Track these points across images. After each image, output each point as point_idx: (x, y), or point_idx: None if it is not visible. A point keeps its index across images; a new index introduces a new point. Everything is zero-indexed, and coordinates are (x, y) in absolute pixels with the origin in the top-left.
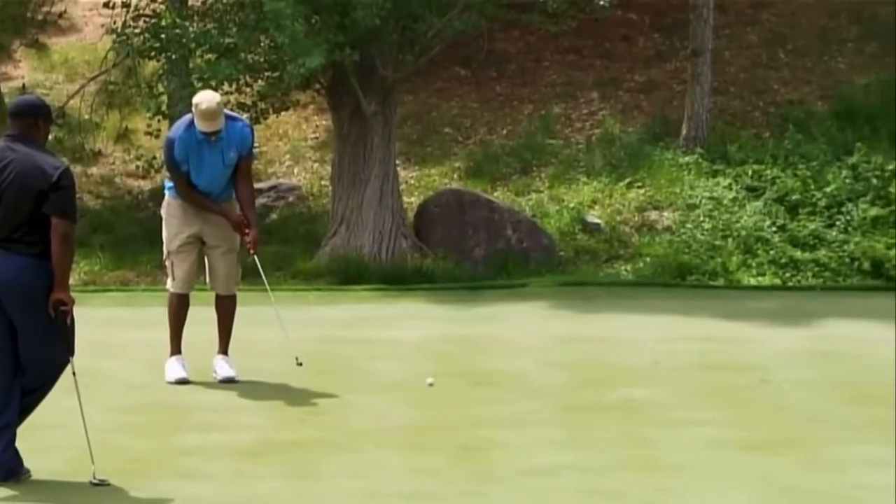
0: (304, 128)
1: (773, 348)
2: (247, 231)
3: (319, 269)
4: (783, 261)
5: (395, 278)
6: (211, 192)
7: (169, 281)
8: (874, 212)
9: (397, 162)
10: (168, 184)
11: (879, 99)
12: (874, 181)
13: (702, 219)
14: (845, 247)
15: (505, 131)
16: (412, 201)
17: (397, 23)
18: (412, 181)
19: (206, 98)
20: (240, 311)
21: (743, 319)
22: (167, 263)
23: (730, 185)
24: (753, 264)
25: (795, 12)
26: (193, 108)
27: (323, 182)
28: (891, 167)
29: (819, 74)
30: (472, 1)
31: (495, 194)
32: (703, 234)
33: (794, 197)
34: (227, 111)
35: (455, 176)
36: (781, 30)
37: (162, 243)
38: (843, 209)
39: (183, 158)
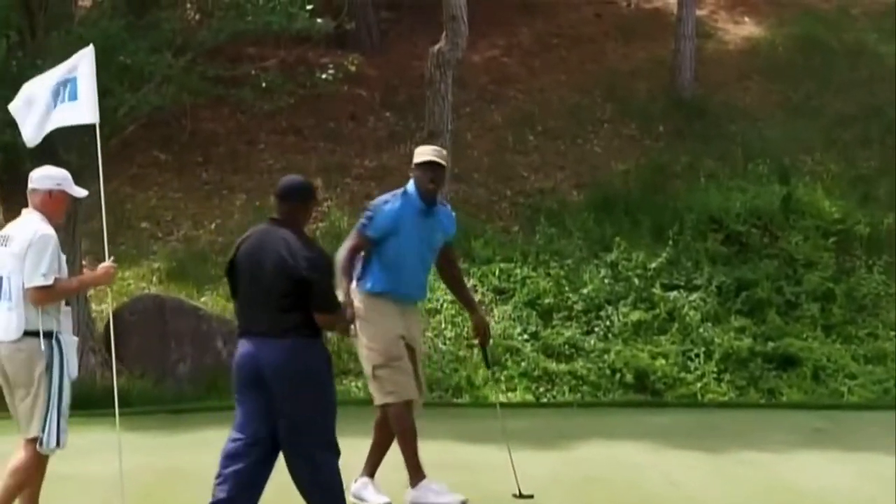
0: None
1: (528, 475)
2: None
3: None
4: (536, 373)
5: (82, 402)
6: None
7: (381, 394)
8: (636, 316)
9: (84, 263)
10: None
11: (640, 187)
12: (636, 281)
13: (443, 326)
14: (605, 356)
15: (213, 225)
16: (102, 309)
17: None
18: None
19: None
20: None
21: (491, 442)
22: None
23: (474, 286)
24: (503, 378)
25: (544, 89)
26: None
27: None
28: (653, 265)
29: (573, 159)
30: (171, 73)
31: (202, 300)
32: (444, 344)
33: (547, 300)
34: None
35: (154, 278)
36: (529, 108)
37: None
38: (602, 313)
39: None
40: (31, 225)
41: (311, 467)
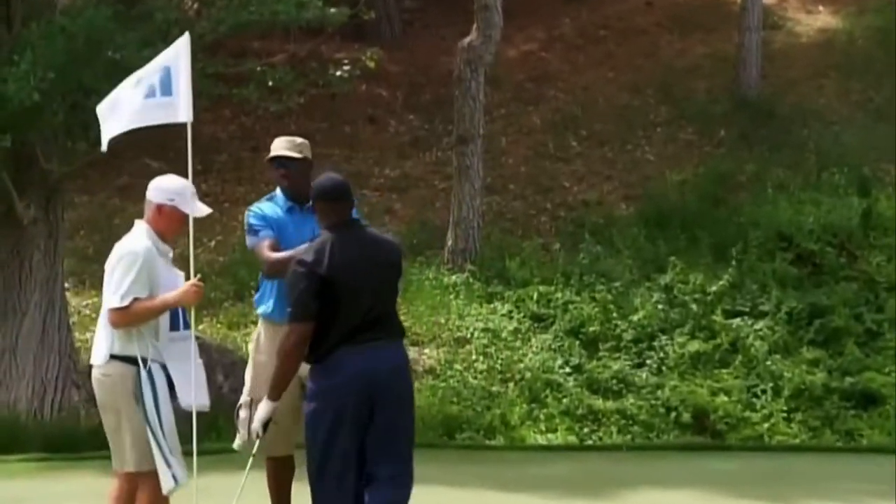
0: None
1: None
2: None
3: None
4: (580, 412)
5: (65, 444)
6: None
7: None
8: (694, 347)
9: (66, 285)
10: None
11: (698, 199)
12: (693, 307)
13: (474, 357)
14: (658, 393)
15: (213, 243)
16: (87, 338)
17: (64, 99)
18: (87, 311)
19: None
20: None
21: (529, 490)
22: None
23: (510, 312)
24: (541, 417)
25: (589, 87)
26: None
27: None
28: (714, 289)
29: (621, 168)
30: None
31: (200, 327)
32: (476, 378)
33: (592, 328)
34: None
35: None
36: (572, 110)
37: None
38: (655, 344)
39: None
40: (128, 239)
41: (402, 479)
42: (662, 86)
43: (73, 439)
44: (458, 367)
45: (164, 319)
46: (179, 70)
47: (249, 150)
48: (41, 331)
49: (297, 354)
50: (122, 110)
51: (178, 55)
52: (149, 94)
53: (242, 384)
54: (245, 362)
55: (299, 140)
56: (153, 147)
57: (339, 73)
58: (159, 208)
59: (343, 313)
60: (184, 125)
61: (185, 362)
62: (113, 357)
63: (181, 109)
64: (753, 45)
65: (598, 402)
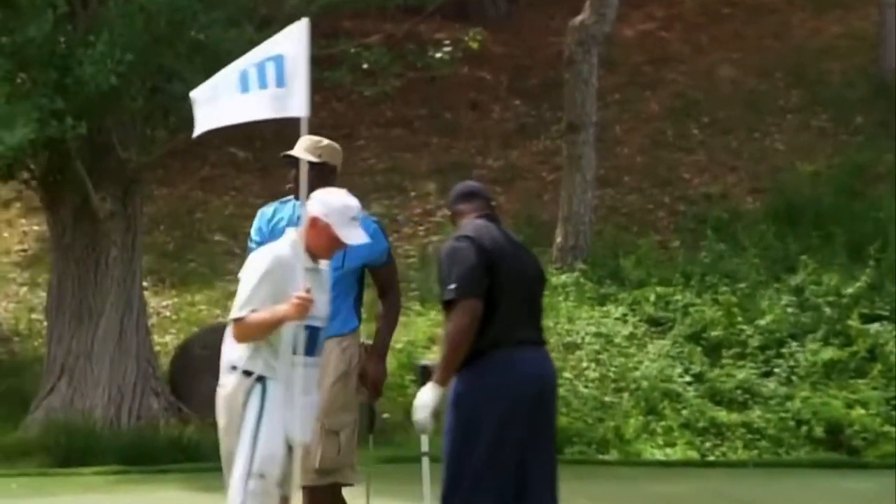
0: (6, 236)
1: None
2: None
3: (28, 444)
4: (701, 424)
5: (142, 455)
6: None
7: None
8: (828, 354)
9: (144, 284)
10: None
11: (832, 193)
12: (827, 310)
13: (585, 365)
14: (788, 405)
15: None
16: (167, 341)
17: (143, 83)
18: (167, 312)
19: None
20: None
21: None
22: None
23: (624, 316)
24: (659, 430)
25: (712, 70)
26: None
27: (34, 315)
28: (849, 291)
29: (748, 158)
30: None
31: None
32: (587, 387)
33: (714, 333)
34: None
35: (230, 304)
36: (693, 95)
37: None
38: (785, 351)
39: None
40: (265, 247)
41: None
42: (794, 68)
43: (152, 450)
44: (567, 374)
45: (286, 340)
46: (295, 58)
47: (342, 138)
48: (118, 333)
49: (471, 335)
50: (224, 100)
51: (293, 42)
52: (259, 85)
53: None
54: None
55: (325, 142)
56: (239, 136)
57: (439, 54)
58: (314, 221)
59: (505, 304)
60: (296, 120)
61: (303, 391)
62: (233, 368)
63: (296, 103)
64: (894, 24)
65: (722, 415)
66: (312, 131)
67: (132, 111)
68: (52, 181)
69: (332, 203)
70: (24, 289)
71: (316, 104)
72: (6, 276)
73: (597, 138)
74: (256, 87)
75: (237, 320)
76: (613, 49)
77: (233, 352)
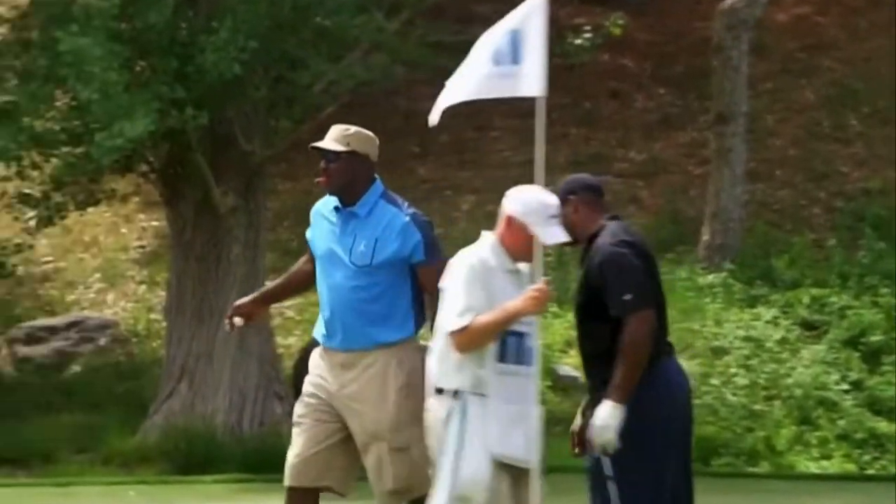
0: (124, 232)
1: None
2: None
3: (146, 450)
4: (859, 435)
5: (265, 462)
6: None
7: None
8: None
9: (267, 283)
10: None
11: None
12: None
13: (734, 370)
14: None
15: None
16: (291, 343)
17: (267, 71)
18: (291, 313)
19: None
20: None
21: None
22: None
23: (775, 319)
24: (813, 441)
25: (872, 57)
26: None
27: (153, 316)
28: None
29: None
30: (382, 38)
31: (422, 330)
32: (735, 395)
33: (874, 338)
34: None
35: None
36: (851, 84)
37: None
38: None
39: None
40: (464, 252)
41: None
42: None
43: (275, 458)
44: (714, 381)
45: (491, 346)
46: (530, 34)
47: (474, 129)
48: (240, 335)
49: (649, 347)
50: (457, 78)
51: (529, 17)
52: (495, 61)
53: None
54: None
55: (353, 129)
56: (365, 125)
57: (578, 41)
58: (509, 221)
59: (660, 311)
60: (528, 100)
61: (513, 403)
62: (438, 391)
63: (530, 81)
64: None
65: (882, 425)
66: (443, 121)
67: (255, 101)
68: (172, 174)
69: (529, 201)
70: (143, 287)
71: None
72: (124, 274)
73: (747, 129)
74: (490, 64)
75: (460, 330)
76: (765, 34)
77: (435, 371)
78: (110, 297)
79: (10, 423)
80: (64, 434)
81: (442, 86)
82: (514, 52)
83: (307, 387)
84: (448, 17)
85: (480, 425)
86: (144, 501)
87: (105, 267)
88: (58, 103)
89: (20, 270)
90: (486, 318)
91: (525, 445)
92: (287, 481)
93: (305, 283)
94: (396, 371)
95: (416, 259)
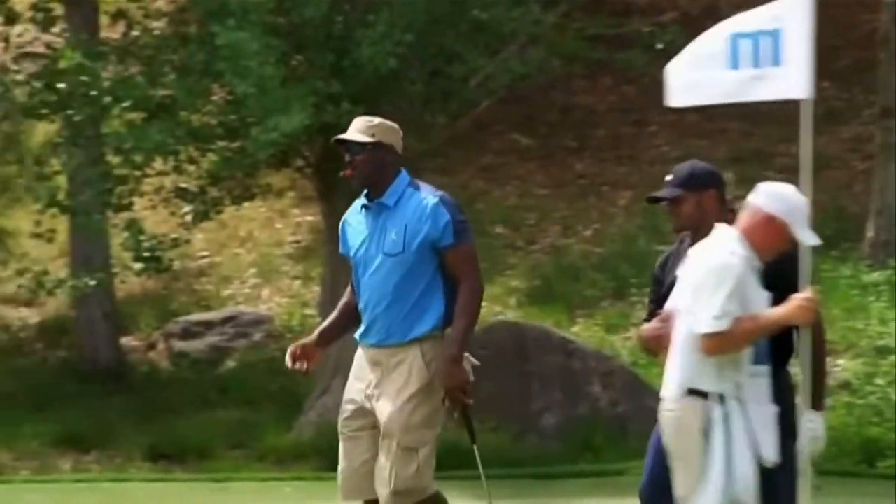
0: (279, 227)
1: None
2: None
3: (301, 447)
4: None
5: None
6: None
7: None
8: None
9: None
10: None
11: None
12: None
13: None
14: None
15: (589, 232)
16: None
17: (423, 65)
18: None
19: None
20: None
21: None
22: None
23: None
24: None
25: None
26: None
27: (307, 311)
28: None
29: None
30: (538, 31)
31: (574, 330)
32: None
33: None
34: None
35: (512, 301)
36: None
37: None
38: None
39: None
40: (715, 248)
41: None
42: None
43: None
44: (879, 381)
45: (748, 349)
46: (793, 35)
47: (631, 124)
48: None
49: None
50: (710, 75)
51: (794, 15)
52: (752, 63)
53: (622, 396)
54: (627, 373)
55: (377, 121)
56: (521, 120)
57: None
58: (770, 220)
59: None
60: (793, 103)
61: (762, 404)
62: (688, 392)
63: (798, 83)
64: None
65: None
66: (600, 116)
67: (411, 95)
68: (327, 169)
69: (794, 201)
70: (297, 283)
71: (604, 87)
72: (279, 269)
73: None
74: (749, 65)
75: (717, 334)
76: None
77: (684, 371)
78: (265, 292)
79: (167, 418)
80: (219, 430)
81: (600, 79)
82: (775, 53)
83: (346, 393)
84: (607, 9)
85: (743, 430)
86: (300, 498)
87: (260, 262)
88: (214, 98)
89: (176, 265)
90: (750, 325)
91: (775, 445)
92: (341, 497)
93: (357, 315)
94: (421, 371)
95: (446, 242)
